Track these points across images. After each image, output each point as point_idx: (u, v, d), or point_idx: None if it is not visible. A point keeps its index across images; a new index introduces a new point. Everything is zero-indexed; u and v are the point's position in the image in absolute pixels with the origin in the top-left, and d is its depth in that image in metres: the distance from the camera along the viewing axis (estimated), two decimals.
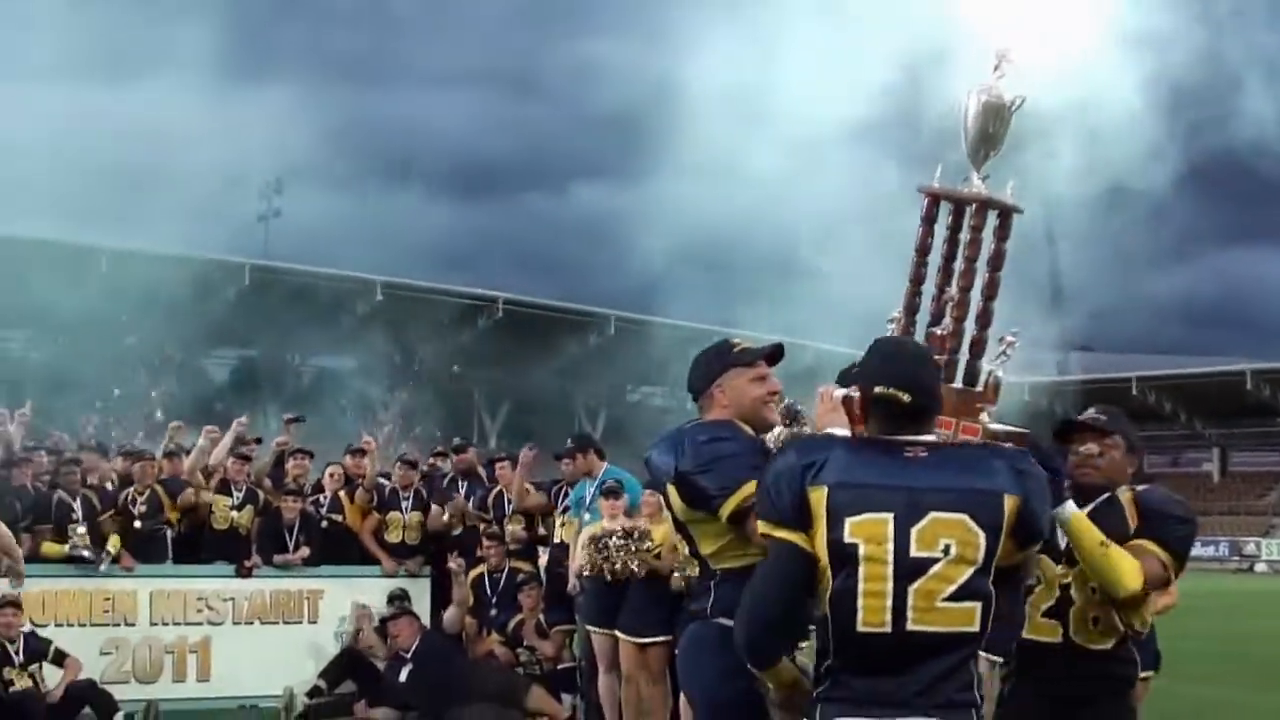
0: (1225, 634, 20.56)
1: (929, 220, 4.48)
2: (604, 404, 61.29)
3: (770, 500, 3.50)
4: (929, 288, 4.59)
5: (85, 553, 11.46)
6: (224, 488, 12.34)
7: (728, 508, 4.02)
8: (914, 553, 3.33)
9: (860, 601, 3.34)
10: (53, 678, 10.57)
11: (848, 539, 3.35)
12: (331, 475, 13.01)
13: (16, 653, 10.42)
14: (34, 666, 10.45)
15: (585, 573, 9.71)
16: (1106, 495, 4.58)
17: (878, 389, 3.52)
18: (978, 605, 3.36)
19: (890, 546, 3.33)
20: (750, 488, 3.88)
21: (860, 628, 3.35)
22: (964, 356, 4.50)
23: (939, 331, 4.49)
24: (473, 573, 11.90)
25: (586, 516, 10.35)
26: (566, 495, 11.27)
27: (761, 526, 3.54)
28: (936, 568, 3.33)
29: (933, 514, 3.34)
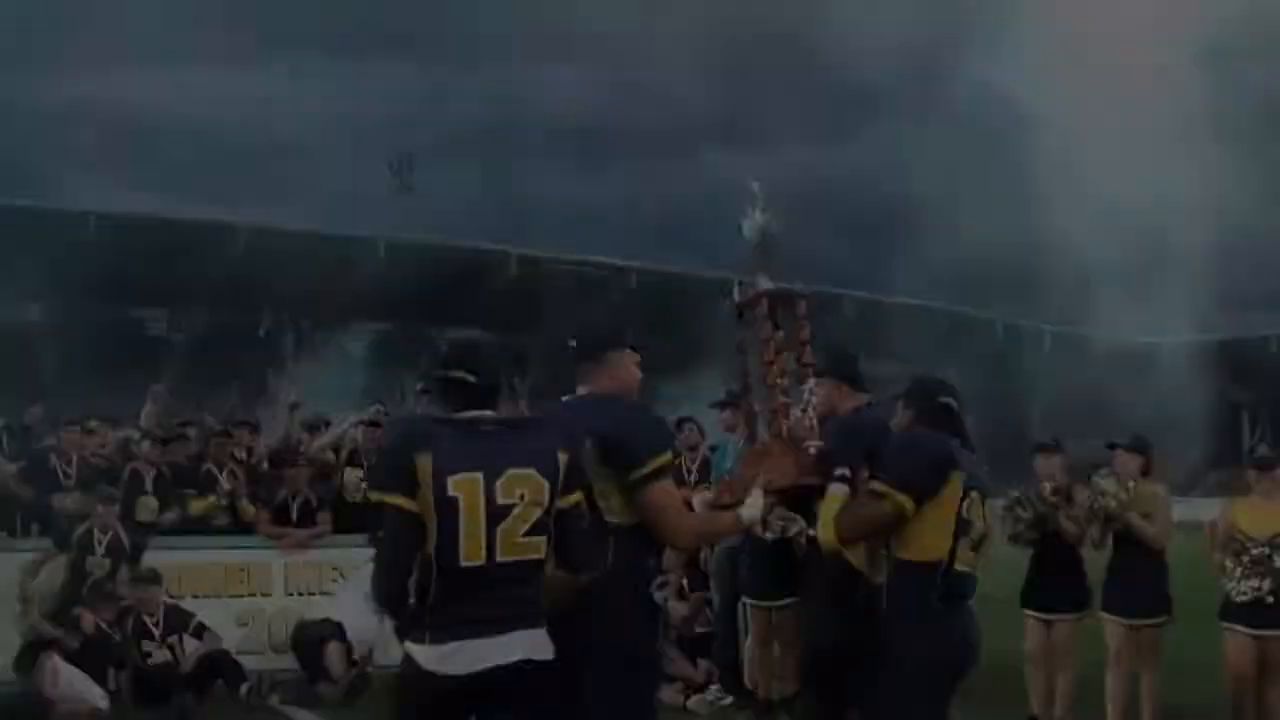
0: None
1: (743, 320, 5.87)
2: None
3: (383, 473, 4.51)
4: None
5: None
6: (354, 459, 12.29)
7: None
8: (499, 501, 4.28)
9: (462, 543, 4.24)
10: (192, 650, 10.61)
11: (450, 493, 4.23)
12: None
13: (156, 624, 10.52)
14: (173, 639, 10.54)
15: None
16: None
17: (451, 373, 4.48)
18: (544, 538, 4.37)
19: (482, 498, 4.26)
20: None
21: (462, 563, 4.24)
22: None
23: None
24: None
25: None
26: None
27: (373, 495, 4.38)
28: (515, 511, 4.30)
29: (510, 470, 4.31)
